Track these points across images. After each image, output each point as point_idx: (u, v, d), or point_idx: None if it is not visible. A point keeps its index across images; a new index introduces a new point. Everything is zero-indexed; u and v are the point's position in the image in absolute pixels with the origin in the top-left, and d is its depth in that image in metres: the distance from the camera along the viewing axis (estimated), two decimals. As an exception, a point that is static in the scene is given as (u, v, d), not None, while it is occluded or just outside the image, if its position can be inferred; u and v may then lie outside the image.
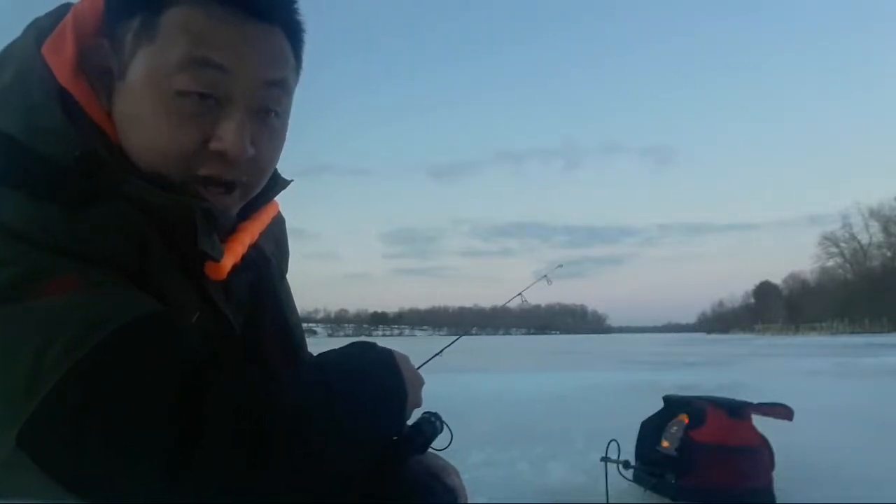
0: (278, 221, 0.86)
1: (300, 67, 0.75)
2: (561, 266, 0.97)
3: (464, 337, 1.00)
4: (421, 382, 0.78)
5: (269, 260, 0.82)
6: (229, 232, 0.73)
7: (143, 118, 0.66)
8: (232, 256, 0.71)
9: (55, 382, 0.53)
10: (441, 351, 0.92)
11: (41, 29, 0.70)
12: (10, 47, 0.70)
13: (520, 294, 0.90)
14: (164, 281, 0.65)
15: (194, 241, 0.66)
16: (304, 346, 0.85)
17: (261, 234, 0.79)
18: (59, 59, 0.67)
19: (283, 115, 0.72)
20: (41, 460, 0.55)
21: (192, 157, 0.67)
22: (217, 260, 0.68)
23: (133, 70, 0.66)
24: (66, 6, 0.72)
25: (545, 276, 0.95)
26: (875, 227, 76.94)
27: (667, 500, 2.59)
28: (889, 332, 52.59)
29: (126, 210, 0.63)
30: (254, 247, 0.77)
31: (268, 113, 0.70)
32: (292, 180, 0.85)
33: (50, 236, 0.59)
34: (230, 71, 0.66)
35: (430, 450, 0.80)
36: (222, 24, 0.65)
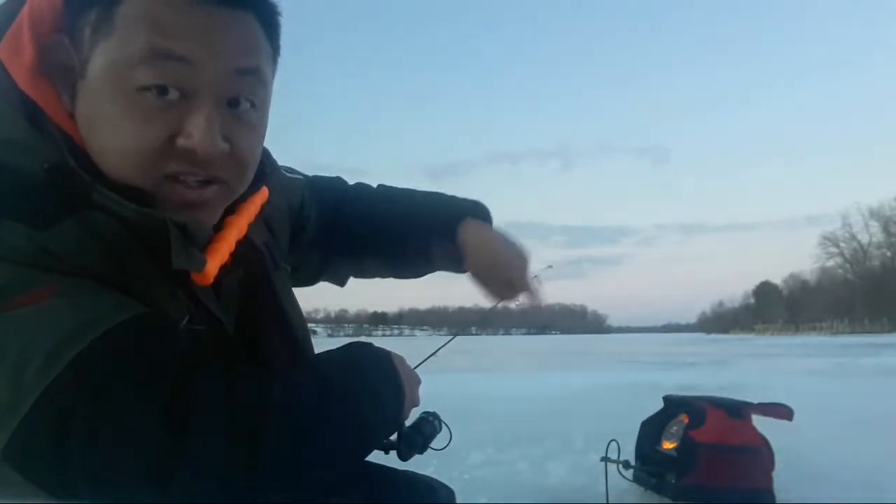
0: (270, 202, 0.81)
1: (277, 55, 0.70)
2: (551, 266, 1.00)
3: (464, 337, 1.01)
4: (418, 382, 0.78)
5: (260, 252, 0.78)
6: (216, 229, 0.70)
7: (105, 118, 0.61)
8: (218, 257, 0.67)
9: (36, 397, 0.52)
10: (436, 351, 0.93)
11: None
12: None
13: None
14: (149, 287, 0.62)
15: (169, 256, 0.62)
16: (308, 336, 0.83)
17: (250, 226, 0.75)
18: (18, 62, 0.63)
19: (259, 107, 0.68)
20: (28, 475, 0.54)
21: (158, 157, 0.61)
22: (198, 271, 0.64)
23: (92, 67, 0.61)
24: (18, 1, 0.66)
25: (535, 276, 0.96)
26: (875, 227, 76.99)
27: (667, 500, 2.59)
28: (889, 332, 52.54)
29: (99, 220, 0.60)
30: (243, 241, 0.73)
31: (240, 104, 0.65)
32: (281, 167, 0.83)
33: (19, 255, 0.56)
34: (195, 62, 0.61)
35: (429, 448, 0.81)
36: (184, 12, 0.61)
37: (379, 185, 1.06)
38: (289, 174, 0.97)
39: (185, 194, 0.64)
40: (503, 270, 0.95)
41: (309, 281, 1.03)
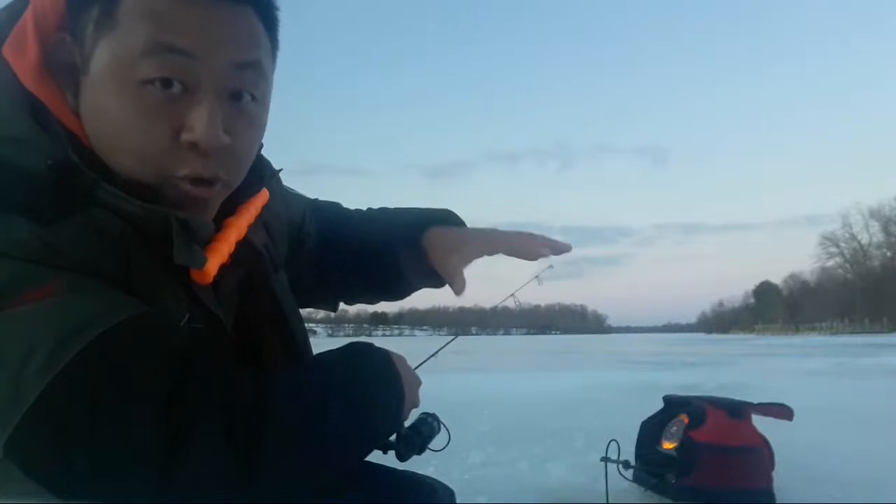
0: (269, 208, 0.82)
1: (276, 49, 0.71)
2: (552, 266, 0.94)
3: (464, 337, 1.00)
4: (418, 383, 0.78)
5: (259, 253, 0.78)
6: (215, 230, 0.71)
7: (109, 114, 0.62)
8: (218, 257, 0.68)
9: (38, 394, 0.52)
10: (437, 352, 0.92)
11: None
12: None
13: (512, 295, 0.90)
14: (150, 285, 0.62)
15: (171, 253, 0.62)
16: (306, 338, 0.83)
17: (249, 227, 0.75)
18: (23, 61, 0.63)
19: (260, 100, 0.68)
20: (29, 471, 0.54)
21: (164, 154, 0.62)
22: (198, 268, 0.65)
23: (95, 63, 0.62)
24: (22, 0, 0.66)
25: (537, 276, 0.93)
26: (875, 227, 77.10)
27: (667, 500, 2.59)
28: (889, 332, 52.57)
29: (102, 217, 0.61)
30: (242, 242, 0.73)
31: (242, 97, 0.66)
32: (281, 169, 0.83)
33: (22, 250, 0.56)
34: (197, 55, 0.61)
35: (427, 450, 0.81)
36: (186, 6, 0.61)
37: (368, 209, 1.06)
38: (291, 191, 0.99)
39: (188, 191, 0.65)
40: (458, 244, 0.89)
41: (302, 301, 1.01)
